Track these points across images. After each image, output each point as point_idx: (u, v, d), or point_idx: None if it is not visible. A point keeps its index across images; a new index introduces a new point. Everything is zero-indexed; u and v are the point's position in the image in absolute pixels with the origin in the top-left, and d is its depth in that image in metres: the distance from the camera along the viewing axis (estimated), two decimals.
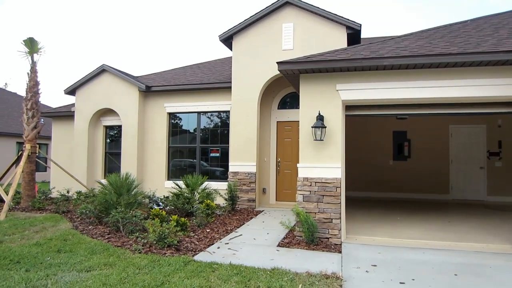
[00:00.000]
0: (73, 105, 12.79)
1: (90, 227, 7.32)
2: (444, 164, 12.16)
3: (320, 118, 6.39)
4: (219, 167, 11.41)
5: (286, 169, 10.53)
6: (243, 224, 7.88)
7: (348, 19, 9.42)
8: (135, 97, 11.79)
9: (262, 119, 10.70)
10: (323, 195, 6.36)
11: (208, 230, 7.14)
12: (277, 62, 6.59)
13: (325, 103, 6.53)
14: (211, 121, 11.67)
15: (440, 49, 6.31)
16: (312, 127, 6.37)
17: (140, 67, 49.97)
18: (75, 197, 10.45)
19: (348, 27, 9.51)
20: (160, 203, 9.36)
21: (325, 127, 6.37)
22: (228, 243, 6.20)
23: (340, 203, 6.32)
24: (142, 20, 52.33)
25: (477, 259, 5.44)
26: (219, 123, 11.55)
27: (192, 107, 11.57)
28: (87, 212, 7.78)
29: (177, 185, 9.15)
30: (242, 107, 10.15)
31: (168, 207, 8.96)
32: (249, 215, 8.93)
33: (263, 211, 9.50)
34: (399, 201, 11.50)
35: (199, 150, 11.53)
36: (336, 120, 6.48)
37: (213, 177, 11.25)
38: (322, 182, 6.38)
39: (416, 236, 6.68)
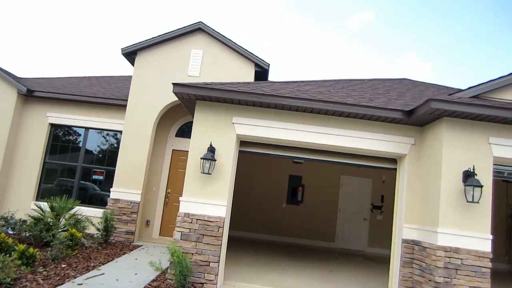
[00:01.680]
0: None
1: None
2: (332, 213, 12.51)
3: (211, 149, 5.91)
4: (103, 191, 10.15)
5: (176, 202, 9.68)
6: (112, 260, 6.82)
7: (258, 57, 9.39)
8: (11, 99, 10.08)
9: (157, 145, 9.87)
10: (203, 235, 5.76)
11: (64, 266, 5.96)
12: (173, 83, 6.08)
13: (219, 134, 6.10)
14: (103, 139, 10.46)
15: (338, 98, 6.42)
16: (201, 158, 5.85)
17: (34, 72, 44.69)
18: None
19: (257, 65, 9.45)
20: (16, 228, 7.80)
21: (215, 160, 5.89)
22: (82, 284, 5.16)
23: (221, 245, 5.77)
24: (52, 23, 48.26)
25: None
26: (110, 144, 10.40)
27: (81, 121, 10.26)
28: None
29: (39, 207, 7.73)
30: (135, 129, 9.25)
31: (23, 234, 7.46)
32: (123, 249, 7.85)
33: (141, 246, 8.47)
34: (287, 245, 11.38)
35: (81, 170, 10.16)
36: (228, 154, 6.06)
37: (94, 202, 9.95)
38: (204, 220, 5.80)
39: (295, 286, 6.40)
